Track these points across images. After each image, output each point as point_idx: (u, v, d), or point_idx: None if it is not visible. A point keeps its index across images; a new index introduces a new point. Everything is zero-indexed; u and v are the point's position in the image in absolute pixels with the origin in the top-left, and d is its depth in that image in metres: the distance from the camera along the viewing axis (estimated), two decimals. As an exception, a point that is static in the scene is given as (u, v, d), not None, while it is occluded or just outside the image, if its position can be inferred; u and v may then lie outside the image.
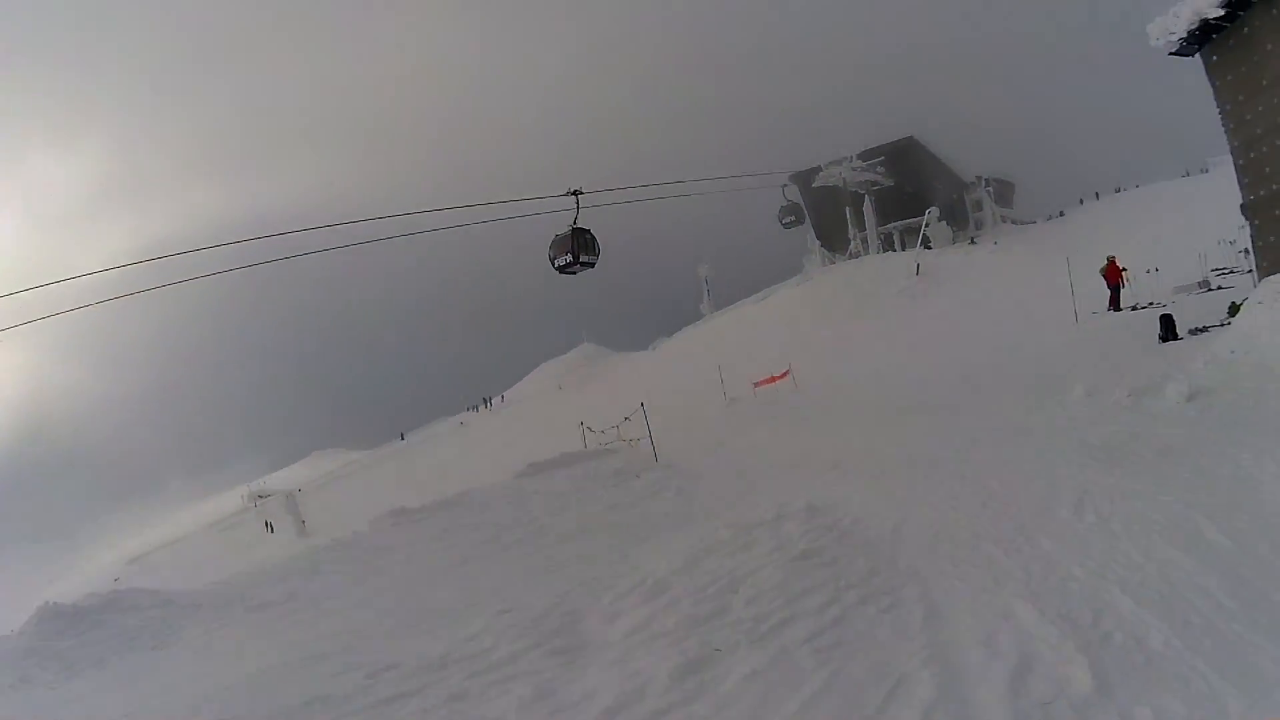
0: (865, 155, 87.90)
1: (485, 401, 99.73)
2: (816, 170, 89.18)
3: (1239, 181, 17.61)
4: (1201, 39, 17.28)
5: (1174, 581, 6.26)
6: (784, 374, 35.70)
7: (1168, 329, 19.45)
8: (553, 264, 20.74)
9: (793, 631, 6.86)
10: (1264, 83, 16.33)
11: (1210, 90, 17.65)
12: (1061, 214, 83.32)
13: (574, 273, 20.72)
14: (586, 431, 30.26)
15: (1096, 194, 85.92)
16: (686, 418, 32.62)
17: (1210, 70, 17.58)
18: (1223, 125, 17.53)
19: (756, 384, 36.48)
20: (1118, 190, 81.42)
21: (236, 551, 36.73)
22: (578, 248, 20.28)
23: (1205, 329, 19.09)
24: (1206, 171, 68.34)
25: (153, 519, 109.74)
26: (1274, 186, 16.61)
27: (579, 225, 20.16)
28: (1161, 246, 36.79)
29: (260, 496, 77.06)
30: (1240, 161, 17.32)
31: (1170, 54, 17.81)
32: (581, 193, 19.61)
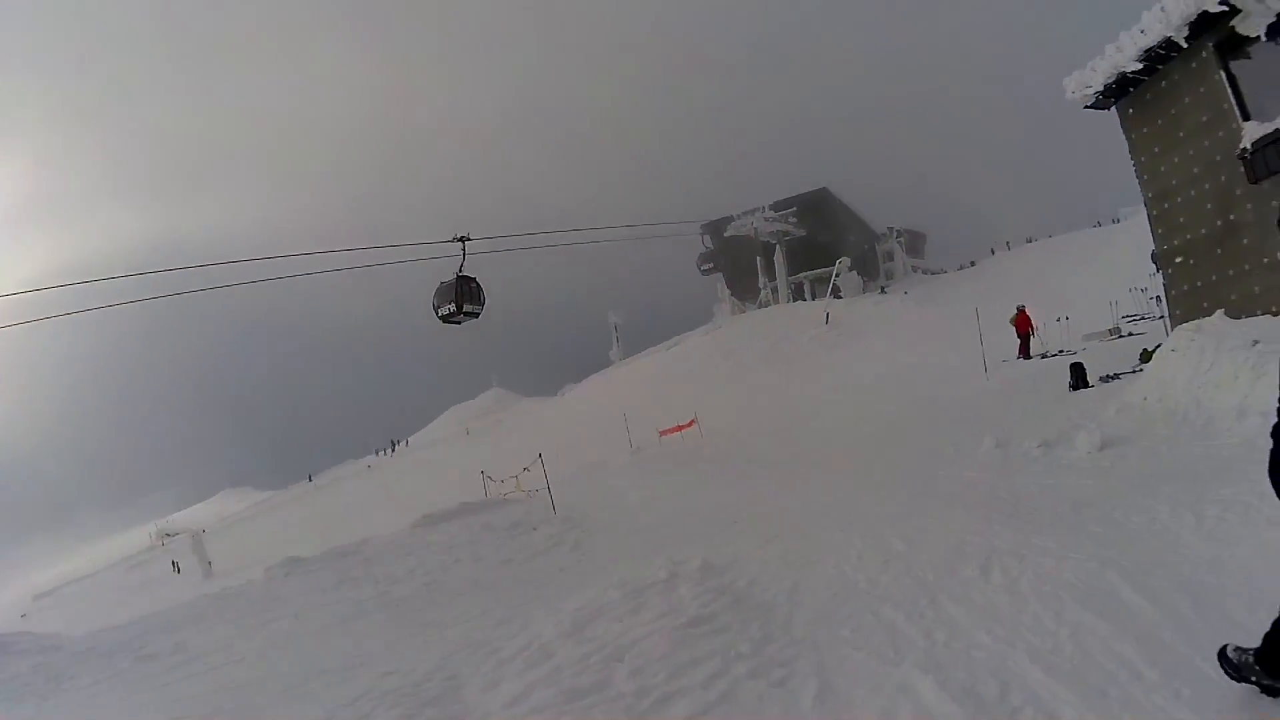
0: (778, 206, 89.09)
1: (393, 445, 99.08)
2: (729, 220, 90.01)
3: (1152, 231, 17.69)
4: (1118, 92, 17.25)
5: (1088, 648, 5.61)
6: (690, 423, 35.43)
7: (1078, 377, 19.08)
8: (436, 313, 19.99)
9: (675, 708, 6.18)
10: (1180, 135, 16.36)
11: (1125, 143, 17.61)
12: (973, 264, 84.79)
13: (458, 323, 19.96)
14: (487, 480, 29.31)
15: (1008, 244, 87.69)
16: (590, 466, 32.61)
17: (1126, 123, 17.68)
18: (1137, 177, 17.53)
19: (662, 433, 36.22)
20: (1029, 240, 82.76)
21: (144, 590, 35.74)
22: (461, 297, 19.52)
23: (1117, 376, 18.90)
24: (1118, 221, 69.70)
25: (63, 552, 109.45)
26: (1187, 236, 16.61)
27: (464, 273, 19.45)
28: (1073, 295, 37.11)
29: (168, 535, 76.26)
30: (1154, 212, 17.36)
31: (1086, 107, 17.75)
32: (468, 239, 18.89)
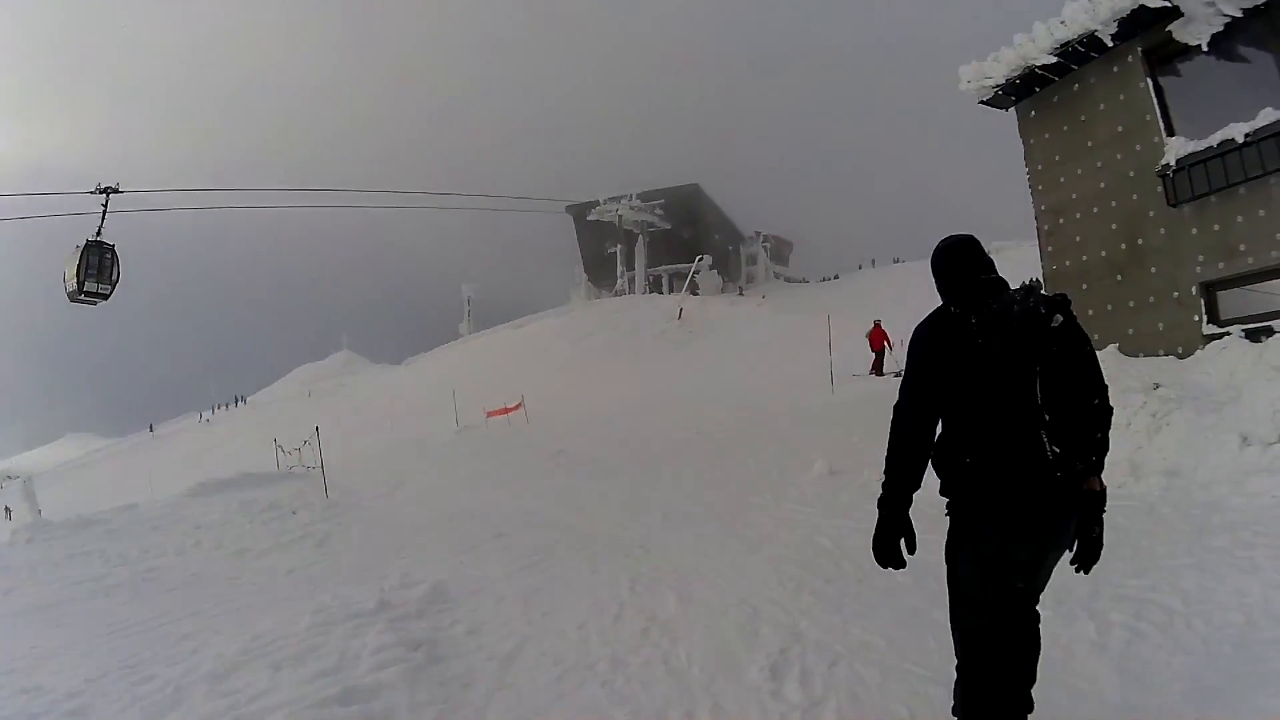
0: (646, 196, 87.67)
1: (236, 400, 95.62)
2: (594, 204, 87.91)
3: (1041, 250, 15.62)
4: (1021, 90, 15.20)
5: None
6: (516, 406, 34.01)
7: None
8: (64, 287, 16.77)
9: None
10: (1088, 145, 14.47)
11: (1021, 149, 15.64)
12: (836, 277, 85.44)
13: (90, 303, 16.68)
14: (279, 451, 26.56)
15: (873, 261, 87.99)
16: (407, 442, 31.33)
17: (1025, 126, 15.66)
18: (1030, 187, 15.54)
19: (488, 413, 34.81)
20: (896, 260, 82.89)
21: None
22: (84, 271, 16.36)
23: None
24: (990, 252, 69.72)
25: None
26: (1082, 258, 14.75)
27: (98, 238, 16.23)
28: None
29: (9, 477, 71.54)
30: (1045, 228, 15.38)
31: (982, 102, 15.62)
32: (115, 191, 15.45)
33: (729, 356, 45.02)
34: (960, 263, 4.07)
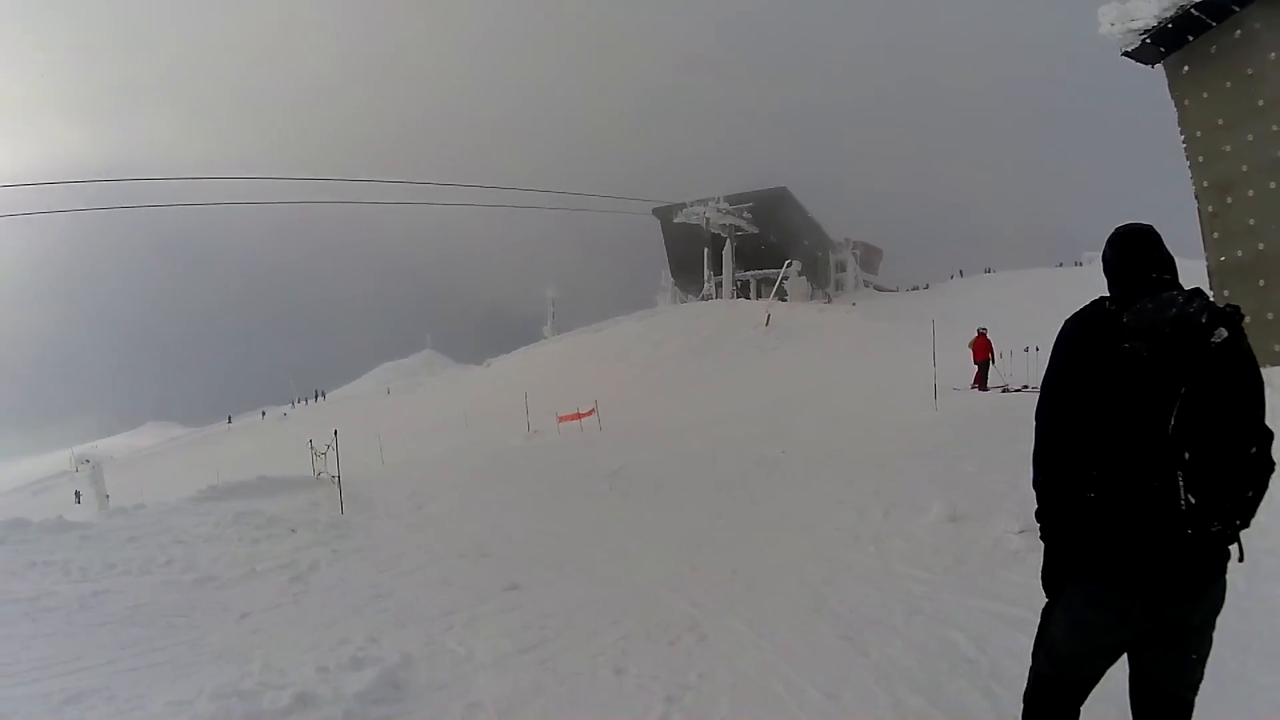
0: (734, 199, 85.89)
1: (316, 395, 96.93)
2: (680, 206, 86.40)
3: (1204, 237, 12.57)
4: (1172, 40, 12.47)
5: None
6: (589, 412, 32.43)
7: None
8: None
9: None
10: (1259, 104, 11.55)
11: (1174, 111, 12.86)
12: (927, 286, 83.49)
13: None
14: (313, 454, 24.67)
15: (961, 272, 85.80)
16: (465, 447, 30.59)
17: (1176, 84, 12.67)
18: (1187, 158, 12.67)
19: (560, 419, 33.50)
20: (987, 270, 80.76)
21: (39, 515, 31.59)
22: None
23: None
24: (1080, 265, 71.55)
25: None
26: (1258, 246, 11.78)
27: None
28: (1032, 331, 32.60)
29: (84, 461, 72.74)
30: (1209, 208, 12.31)
31: (1125, 53, 12.92)
32: None
33: (817, 365, 42.77)
34: (1132, 255, 3.46)
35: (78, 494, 41.20)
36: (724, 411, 29.27)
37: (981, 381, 25.17)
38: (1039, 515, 3.46)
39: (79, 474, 58.42)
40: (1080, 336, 3.30)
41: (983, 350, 25.78)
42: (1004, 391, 23.49)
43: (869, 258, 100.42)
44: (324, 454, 20.32)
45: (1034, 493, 3.47)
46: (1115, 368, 3.08)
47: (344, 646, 7.46)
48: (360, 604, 9.73)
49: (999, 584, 7.74)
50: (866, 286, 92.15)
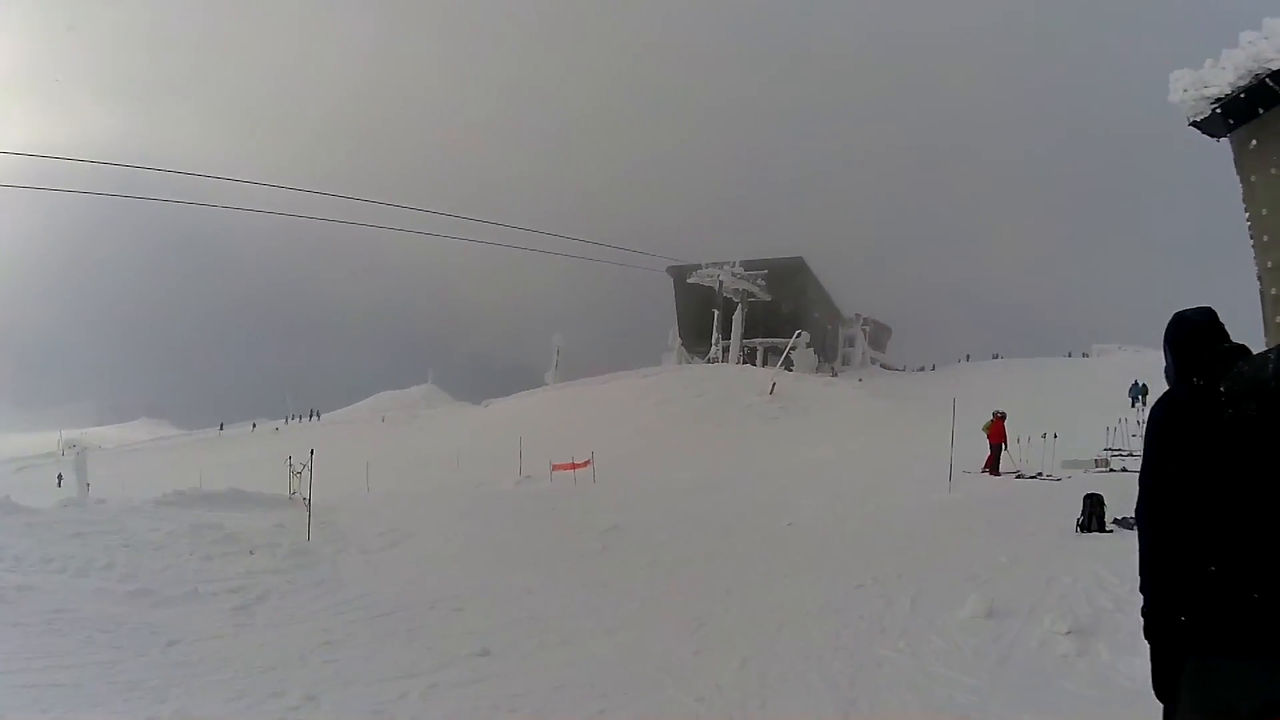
0: (749, 264, 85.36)
1: (311, 414, 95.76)
2: (695, 267, 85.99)
3: (1265, 320, 11.62)
4: (1243, 112, 11.60)
5: None
6: (585, 463, 31.47)
7: (1092, 515, 13.52)
8: None
9: None
10: None
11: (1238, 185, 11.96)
12: (934, 367, 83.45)
13: None
14: (290, 471, 23.70)
15: (968, 356, 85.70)
16: (454, 486, 30.04)
17: (1245, 159, 11.69)
18: (1251, 237, 11.76)
19: (554, 466, 32.36)
20: (995, 356, 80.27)
21: (18, 495, 30.86)
22: None
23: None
24: (1087, 356, 71.96)
25: None
26: None
27: None
28: (1041, 419, 31.91)
29: (71, 447, 72.49)
30: (1273, 290, 11.45)
31: (1193, 122, 12.04)
32: None
33: (820, 438, 41.80)
34: (1202, 331, 3.24)
35: (60, 477, 41.42)
36: (725, 477, 28.21)
37: (993, 465, 24.24)
38: (1147, 614, 3.13)
39: (64, 458, 58.54)
40: (1176, 418, 3.13)
41: (999, 434, 24.86)
42: (1018, 478, 22.62)
43: (878, 335, 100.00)
44: (299, 473, 19.23)
45: (1141, 596, 3.16)
46: (1223, 438, 2.90)
47: (275, 701, 6.50)
48: (306, 650, 8.55)
49: (1055, 695, 6.65)
50: (874, 364, 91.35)
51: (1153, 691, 3.12)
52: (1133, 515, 10.30)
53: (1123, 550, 10.66)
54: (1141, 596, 3.14)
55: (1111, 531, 13.14)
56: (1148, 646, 3.08)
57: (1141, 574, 3.16)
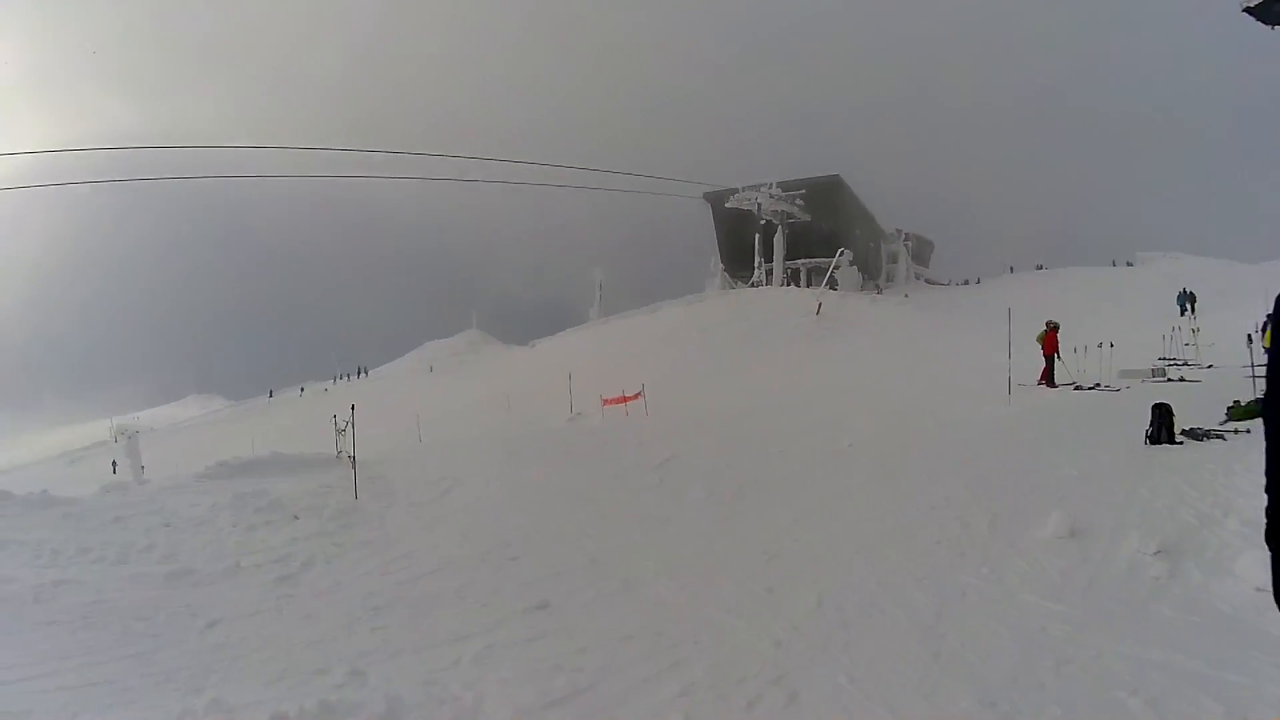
0: (786, 185, 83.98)
1: (359, 371, 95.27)
2: (732, 191, 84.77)
3: None
4: None
5: None
6: (636, 395, 30.69)
7: (1161, 426, 12.82)
8: None
9: None
10: None
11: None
12: (979, 280, 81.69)
13: None
14: (336, 430, 23.41)
15: (1012, 268, 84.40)
16: (504, 428, 28.86)
17: None
18: None
19: (605, 401, 31.69)
20: (1039, 267, 78.86)
21: (74, 484, 30.90)
22: None
23: (1207, 434, 12.94)
24: (1131, 265, 70.99)
25: (23, 436, 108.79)
26: None
27: None
28: (1089, 329, 31.17)
29: (122, 432, 73.38)
30: None
31: (1246, 9, 11.71)
32: None
33: (870, 357, 41.24)
34: None
35: (114, 463, 41.32)
36: (776, 400, 27.64)
37: (1049, 377, 23.71)
38: (1271, 515, 2.83)
39: (116, 444, 58.77)
40: None
41: (1052, 344, 24.25)
42: (1076, 389, 22.09)
43: (920, 250, 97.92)
44: (343, 431, 18.86)
45: (1267, 496, 2.86)
46: None
47: (319, 679, 6.15)
48: (353, 618, 8.23)
49: (1153, 622, 6.23)
50: (918, 279, 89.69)
51: (1273, 599, 2.82)
52: (1203, 428, 10.06)
53: (1198, 463, 10.69)
54: (1266, 497, 2.87)
55: (1182, 443, 12.64)
56: (1264, 554, 2.83)
57: (1268, 474, 2.89)
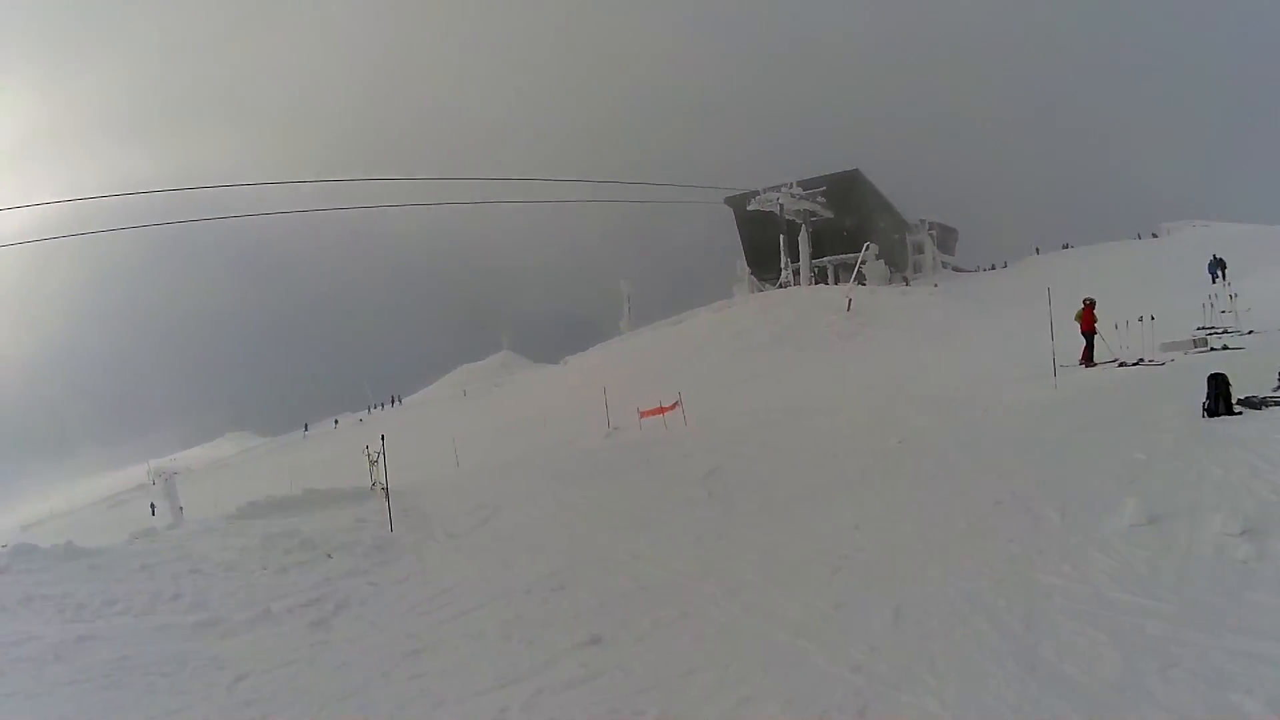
0: (806, 184, 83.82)
1: (393, 400, 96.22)
2: (753, 194, 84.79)
3: None
4: None
5: None
6: (674, 405, 30.24)
7: (1218, 396, 12.46)
8: None
9: None
10: None
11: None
12: (1005, 264, 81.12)
13: None
14: (369, 460, 23.09)
15: (1037, 249, 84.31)
16: (542, 449, 28.92)
17: None
18: None
19: (642, 414, 31.19)
20: (1065, 246, 78.66)
21: (111, 529, 31.01)
22: None
23: (1265, 402, 12.63)
24: (1156, 236, 72.07)
25: (61, 483, 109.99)
26: None
27: None
28: (1124, 303, 30.50)
29: (159, 474, 73.91)
30: None
31: None
32: None
33: (905, 348, 40.87)
34: None
35: (153, 506, 39.57)
36: (816, 400, 26.94)
37: (1089, 356, 23.20)
38: None
39: (154, 487, 59.03)
40: None
41: (1089, 322, 23.73)
42: (1119, 366, 21.52)
43: (945, 238, 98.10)
44: (375, 462, 18.49)
45: None
46: None
47: None
48: (390, 664, 7.78)
49: (1252, 611, 5.80)
50: (945, 268, 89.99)
51: None
52: (1259, 396, 9.75)
53: (1264, 433, 10.52)
54: None
55: (1240, 413, 12.29)
56: None
57: None
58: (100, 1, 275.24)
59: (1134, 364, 21.38)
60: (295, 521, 16.11)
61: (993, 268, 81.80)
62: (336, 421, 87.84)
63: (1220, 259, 38.84)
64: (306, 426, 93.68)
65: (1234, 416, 12.23)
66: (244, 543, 14.24)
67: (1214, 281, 36.43)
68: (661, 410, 30.11)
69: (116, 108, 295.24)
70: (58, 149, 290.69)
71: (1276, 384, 13.54)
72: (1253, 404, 12.56)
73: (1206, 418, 12.31)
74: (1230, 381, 12.58)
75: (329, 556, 13.26)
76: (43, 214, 59.79)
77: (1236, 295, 27.19)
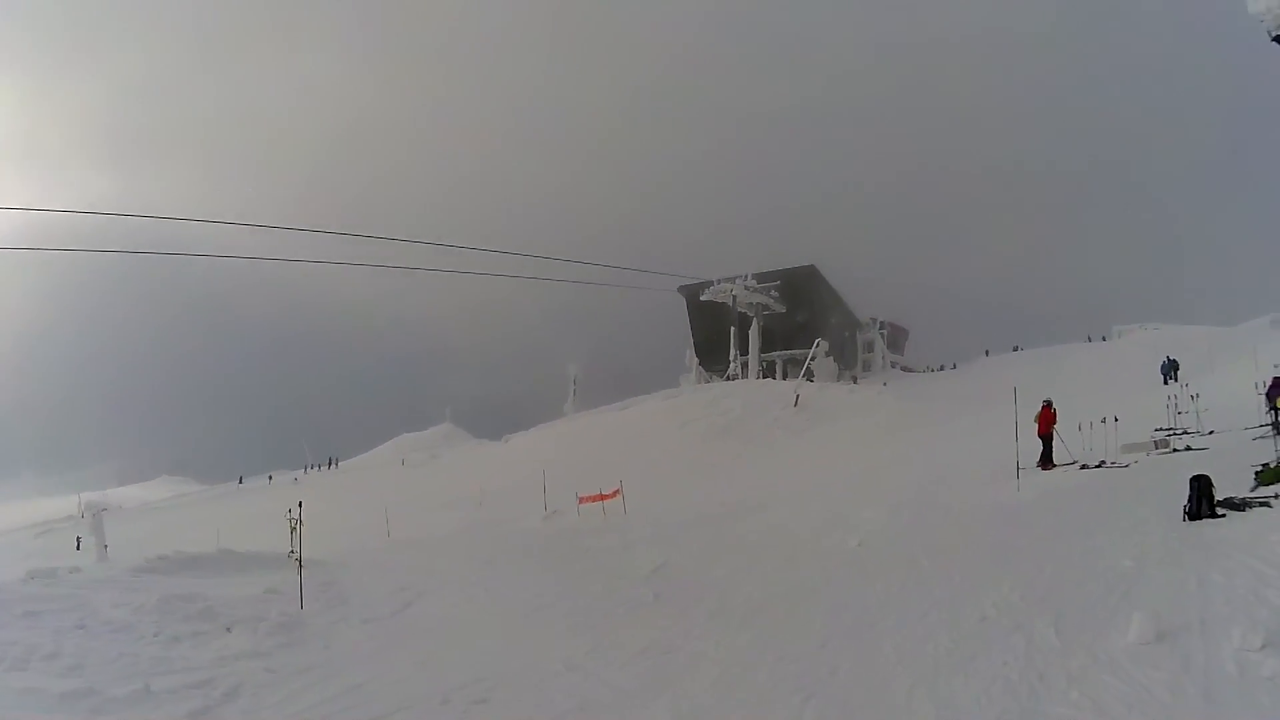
0: (762, 277, 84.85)
1: (330, 461, 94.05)
2: (707, 284, 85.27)
3: None
4: None
5: None
6: (613, 493, 29.42)
7: (1200, 499, 12.05)
8: None
9: None
10: None
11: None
12: (955, 365, 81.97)
13: None
14: (291, 525, 21.84)
15: (988, 351, 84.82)
16: (476, 526, 28.83)
17: None
18: None
19: (581, 499, 30.33)
20: (1016, 348, 79.23)
21: (32, 558, 29.19)
22: None
23: (1247, 503, 12.16)
24: (1106, 339, 72.85)
25: None
26: None
27: None
28: (1077, 406, 30.07)
29: (91, 509, 71.67)
30: None
31: (1275, 37, 10.86)
32: None
33: (854, 446, 40.49)
34: None
35: (79, 540, 39.84)
36: (765, 496, 26.13)
37: (1047, 459, 22.45)
38: None
39: (84, 521, 57.59)
40: None
41: (1046, 423, 23.10)
42: (1081, 468, 20.85)
43: (895, 337, 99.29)
44: (295, 529, 17.14)
45: None
46: None
47: None
48: None
49: None
50: (894, 367, 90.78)
51: None
52: (1239, 497, 9.08)
53: (1258, 535, 9.97)
54: None
55: (1224, 515, 11.91)
56: None
57: None
58: (90, 24, 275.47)
59: (1095, 466, 20.86)
60: (202, 584, 15.05)
61: (941, 368, 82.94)
62: (270, 477, 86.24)
63: (1173, 360, 39.76)
64: (241, 479, 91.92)
65: (1217, 519, 11.83)
66: (141, 600, 12.95)
67: (1165, 382, 37.29)
68: (601, 497, 29.47)
69: (94, 131, 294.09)
70: (29, 162, 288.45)
71: (1254, 484, 13.25)
72: (1234, 505, 12.20)
73: (1188, 520, 11.96)
74: (1213, 483, 12.08)
75: (228, 630, 12.06)
76: (7, 224, 58.76)
77: (1197, 396, 27.03)
